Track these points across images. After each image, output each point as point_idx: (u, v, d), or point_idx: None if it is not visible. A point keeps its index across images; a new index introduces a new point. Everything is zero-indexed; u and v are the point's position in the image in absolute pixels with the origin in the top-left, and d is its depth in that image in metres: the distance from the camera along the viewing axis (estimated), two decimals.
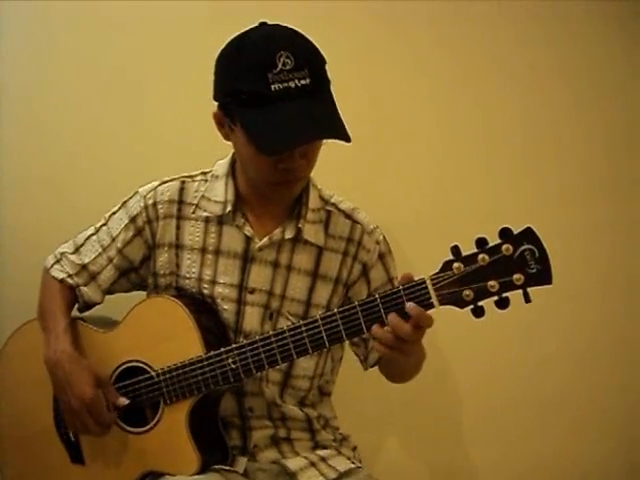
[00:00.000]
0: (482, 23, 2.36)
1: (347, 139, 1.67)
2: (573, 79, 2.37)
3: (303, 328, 1.68)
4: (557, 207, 2.36)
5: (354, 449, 2.01)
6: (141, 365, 1.84)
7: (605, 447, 2.39)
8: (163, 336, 1.82)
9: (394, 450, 2.43)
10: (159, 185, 1.94)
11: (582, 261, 2.35)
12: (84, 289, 1.94)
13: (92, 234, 1.98)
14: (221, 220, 1.88)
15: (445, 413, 2.41)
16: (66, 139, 2.37)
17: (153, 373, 1.82)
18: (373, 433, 2.39)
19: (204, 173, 1.94)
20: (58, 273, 1.96)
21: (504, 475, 2.40)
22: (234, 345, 1.75)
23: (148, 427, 1.83)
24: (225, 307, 1.86)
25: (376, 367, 1.97)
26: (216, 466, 1.81)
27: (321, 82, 1.70)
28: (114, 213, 1.97)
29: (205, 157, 1.95)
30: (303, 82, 1.65)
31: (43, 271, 2.00)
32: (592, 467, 2.39)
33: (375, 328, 1.60)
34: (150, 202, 1.91)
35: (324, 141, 1.74)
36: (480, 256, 1.53)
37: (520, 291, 1.52)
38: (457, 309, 1.56)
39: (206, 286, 1.88)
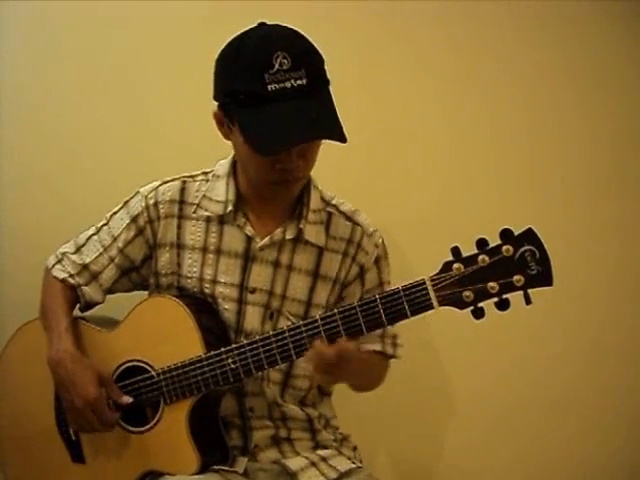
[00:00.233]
0: (487, 23, 2.35)
1: (342, 140, 1.67)
2: (578, 79, 2.36)
3: (303, 328, 1.68)
4: (562, 207, 2.35)
5: (354, 449, 2.00)
6: (142, 365, 1.84)
7: (612, 448, 2.37)
8: (164, 336, 1.82)
9: (395, 450, 2.42)
10: (160, 185, 1.94)
11: (588, 261, 2.34)
12: (85, 289, 1.94)
13: (93, 234, 1.98)
14: (222, 220, 1.88)
15: (448, 414, 2.40)
16: (66, 139, 2.37)
17: (153, 373, 1.82)
18: (373, 433, 2.38)
19: (205, 173, 1.94)
20: (59, 273, 1.96)
21: (507, 477, 2.39)
22: (234, 345, 1.75)
23: (148, 426, 1.83)
24: (226, 307, 1.86)
25: None
26: (216, 466, 1.81)
27: (318, 82, 1.70)
28: (115, 213, 1.97)
29: (206, 157, 1.95)
30: (300, 82, 1.65)
31: (44, 271, 2.00)
32: (599, 468, 2.38)
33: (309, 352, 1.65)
34: (151, 202, 1.91)
35: (323, 141, 1.74)
36: (480, 257, 1.53)
37: (521, 292, 1.52)
38: (457, 310, 1.56)
39: (207, 285, 1.88)
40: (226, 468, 1.82)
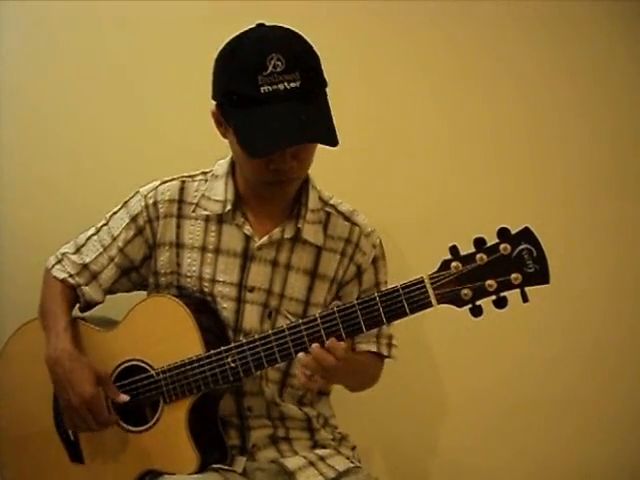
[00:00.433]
0: (487, 23, 2.36)
1: (333, 143, 1.67)
2: (578, 79, 2.36)
3: (302, 327, 1.68)
4: (563, 207, 2.35)
5: (353, 448, 2.00)
6: (141, 364, 1.84)
7: (612, 448, 2.38)
8: (163, 335, 1.83)
9: (394, 450, 2.42)
10: (160, 185, 1.94)
11: (588, 261, 2.35)
12: (85, 289, 1.94)
13: (93, 234, 1.98)
14: (221, 219, 1.88)
15: (448, 414, 2.40)
16: (66, 139, 2.38)
17: (153, 372, 1.82)
18: (372, 433, 2.38)
19: (204, 173, 1.95)
20: (59, 273, 1.96)
21: (507, 477, 2.39)
22: (233, 344, 1.75)
23: (147, 426, 1.83)
24: (225, 305, 1.87)
25: None
26: (215, 465, 1.81)
27: (313, 85, 1.69)
28: (115, 213, 1.97)
29: (205, 157, 1.95)
30: (293, 85, 1.65)
31: (44, 271, 2.00)
32: (599, 468, 2.38)
33: (302, 354, 1.66)
34: (151, 202, 1.92)
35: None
36: (478, 255, 1.54)
37: (518, 290, 1.52)
38: (455, 308, 1.57)
39: (206, 285, 1.88)
40: (225, 467, 1.82)
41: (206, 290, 1.88)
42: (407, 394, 2.34)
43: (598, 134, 2.36)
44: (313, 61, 1.72)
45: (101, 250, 1.95)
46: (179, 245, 1.91)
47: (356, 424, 2.09)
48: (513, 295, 1.54)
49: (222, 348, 1.75)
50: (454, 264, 1.55)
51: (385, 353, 1.94)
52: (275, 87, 1.64)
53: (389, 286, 1.65)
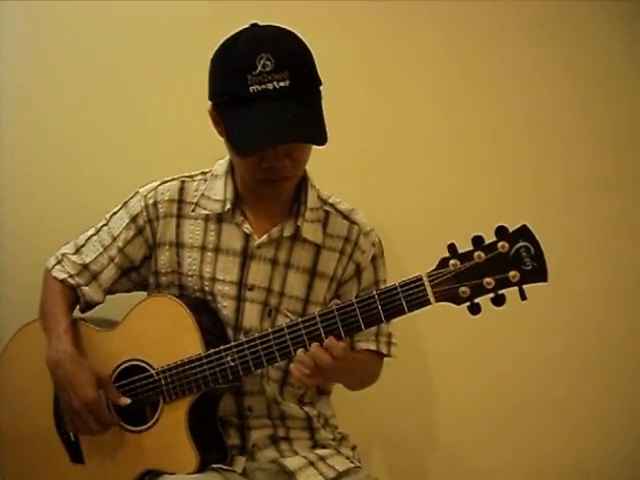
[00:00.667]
0: (487, 23, 2.36)
1: (320, 142, 1.68)
2: (578, 79, 2.37)
3: (301, 325, 1.68)
4: (563, 206, 2.35)
5: (353, 448, 2.00)
6: (141, 364, 1.84)
7: (612, 447, 2.38)
8: (163, 335, 1.83)
9: (394, 450, 2.42)
10: (159, 185, 1.95)
11: (588, 260, 2.35)
12: (85, 289, 1.95)
13: (93, 234, 1.99)
14: (220, 218, 1.89)
15: (448, 414, 2.40)
16: (66, 139, 2.38)
17: (153, 371, 1.82)
18: (372, 433, 2.38)
19: (204, 173, 1.96)
20: (59, 273, 1.96)
21: (507, 476, 2.39)
22: (233, 343, 1.76)
23: (147, 425, 1.83)
24: (225, 304, 1.87)
25: None
26: (215, 465, 1.81)
27: (303, 84, 1.69)
28: (115, 213, 1.97)
29: (204, 157, 1.95)
30: (282, 84, 1.66)
31: (45, 272, 2.00)
32: (599, 468, 2.38)
33: (300, 353, 1.66)
34: (151, 202, 1.92)
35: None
36: (476, 253, 1.54)
37: (516, 288, 1.53)
38: (454, 306, 1.57)
39: (207, 283, 1.89)
40: (225, 467, 1.82)
41: (206, 289, 1.88)
42: (407, 393, 2.34)
43: (598, 134, 2.36)
44: (304, 61, 1.72)
45: (101, 250, 1.95)
46: (179, 244, 1.91)
47: (356, 423, 2.09)
48: (513, 294, 1.54)
49: (221, 347, 1.75)
50: (452, 262, 1.55)
51: (384, 351, 1.95)
52: (264, 86, 1.65)
53: (388, 284, 1.65)
